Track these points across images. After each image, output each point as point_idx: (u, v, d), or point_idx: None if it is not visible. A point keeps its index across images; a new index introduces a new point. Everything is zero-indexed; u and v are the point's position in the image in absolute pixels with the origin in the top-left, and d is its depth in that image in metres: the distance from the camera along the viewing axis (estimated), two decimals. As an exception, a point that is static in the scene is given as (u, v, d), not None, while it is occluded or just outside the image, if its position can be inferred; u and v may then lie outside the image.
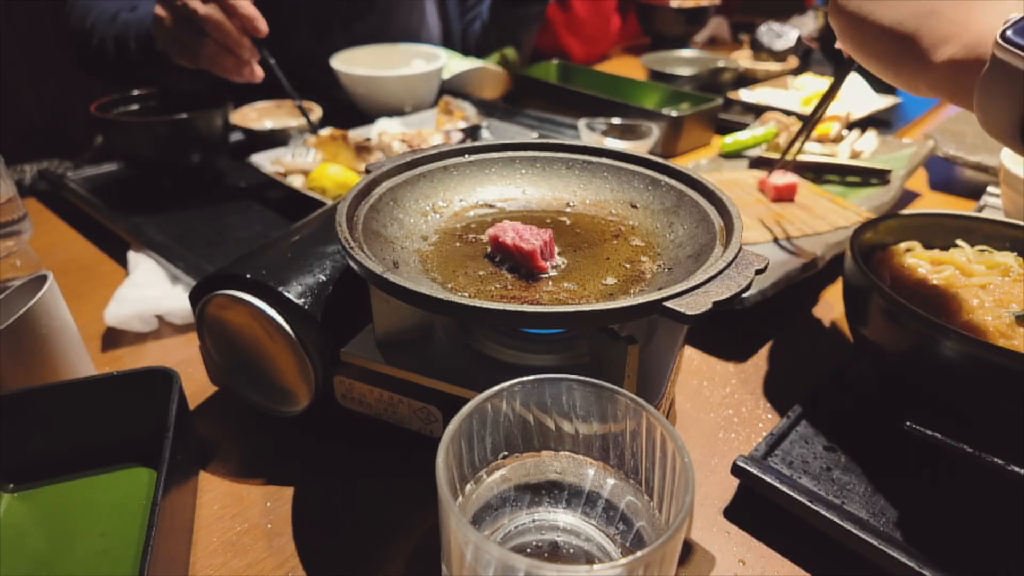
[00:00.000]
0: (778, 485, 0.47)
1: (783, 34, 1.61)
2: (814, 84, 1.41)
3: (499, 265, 0.51)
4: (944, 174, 1.11)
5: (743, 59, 1.62)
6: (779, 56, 1.60)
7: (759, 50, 1.62)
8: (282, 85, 0.97)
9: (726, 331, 0.70)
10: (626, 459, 0.38)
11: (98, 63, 1.07)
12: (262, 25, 0.89)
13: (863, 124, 1.15)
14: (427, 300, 0.40)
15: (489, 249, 0.52)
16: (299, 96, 1.01)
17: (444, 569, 0.35)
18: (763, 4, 2.18)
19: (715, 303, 0.39)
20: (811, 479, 0.50)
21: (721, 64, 1.53)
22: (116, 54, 1.01)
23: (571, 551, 0.37)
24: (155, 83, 1.03)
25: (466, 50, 1.55)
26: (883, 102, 1.30)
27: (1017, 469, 0.46)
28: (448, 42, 1.52)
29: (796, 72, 1.55)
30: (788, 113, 1.14)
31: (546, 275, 0.50)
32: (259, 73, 0.93)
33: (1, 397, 0.48)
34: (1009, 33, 0.38)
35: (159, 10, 0.90)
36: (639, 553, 0.28)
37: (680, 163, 0.67)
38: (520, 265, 0.50)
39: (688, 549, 0.47)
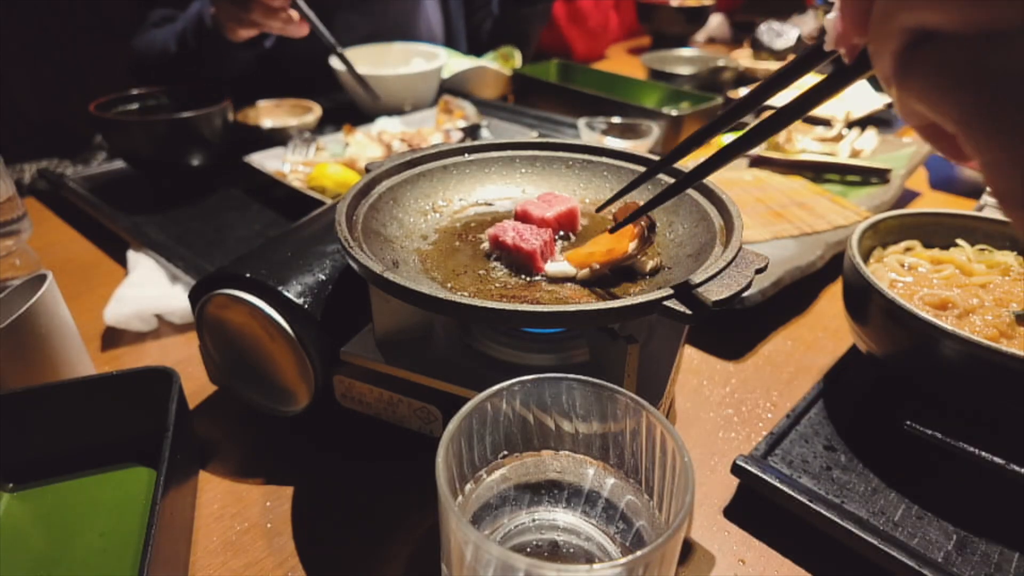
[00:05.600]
0: (778, 484, 0.47)
1: (783, 33, 1.61)
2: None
3: (499, 264, 0.51)
4: (944, 173, 1.11)
5: (743, 58, 1.62)
6: (779, 55, 1.60)
7: (759, 49, 1.62)
8: (320, 35, 1.06)
9: (726, 331, 0.70)
10: (626, 458, 0.38)
11: (161, 67, 1.18)
12: None
13: (863, 123, 1.15)
14: (427, 299, 0.40)
15: (489, 248, 0.52)
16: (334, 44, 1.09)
17: (444, 569, 0.35)
18: (763, 3, 2.18)
19: (715, 303, 0.39)
20: (811, 478, 0.50)
21: (721, 63, 1.53)
22: (177, 52, 1.13)
23: (571, 550, 0.37)
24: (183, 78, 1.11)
25: (474, 48, 1.56)
26: (883, 101, 1.30)
27: (1017, 469, 0.46)
28: (451, 40, 1.52)
29: (796, 71, 1.55)
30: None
31: (546, 275, 0.50)
32: (300, 24, 1.03)
33: (1, 397, 0.48)
34: None
35: None
36: (639, 552, 0.28)
37: (680, 162, 0.66)
38: (520, 265, 0.50)
39: (688, 548, 0.47)
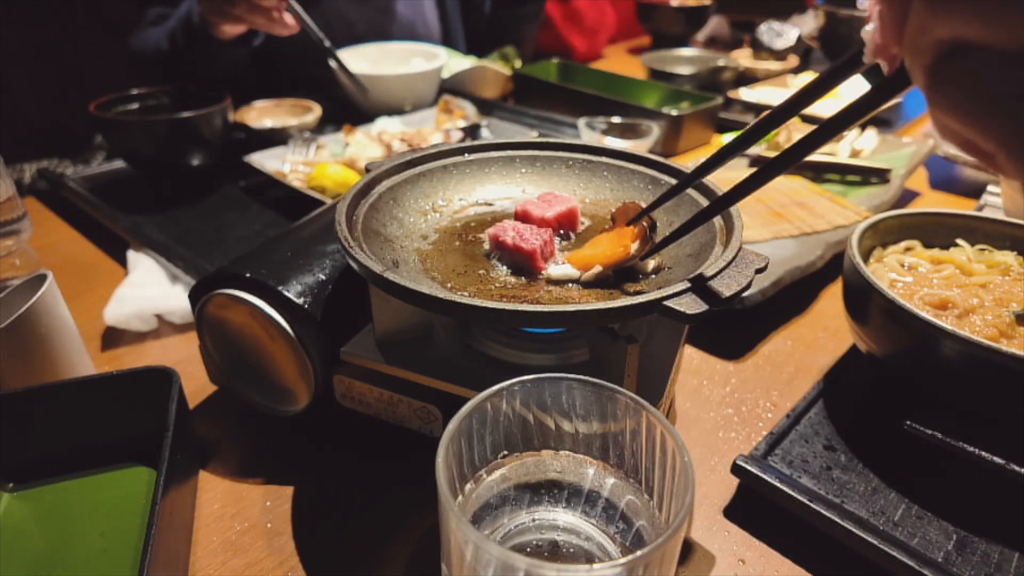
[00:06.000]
0: (778, 484, 0.47)
1: (783, 33, 1.61)
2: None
3: (499, 264, 0.51)
4: (944, 173, 1.11)
5: (743, 58, 1.62)
6: (779, 55, 1.60)
7: (759, 49, 1.62)
8: (308, 33, 1.06)
9: (726, 330, 0.70)
10: (626, 458, 0.38)
11: (157, 65, 1.19)
12: None
13: (863, 123, 1.15)
14: (427, 299, 0.40)
15: (489, 248, 0.52)
16: (328, 49, 1.10)
17: (444, 569, 0.35)
18: (763, 3, 2.18)
19: (715, 302, 0.39)
20: (811, 478, 0.50)
21: (721, 63, 1.52)
22: (169, 49, 1.14)
23: (571, 550, 0.37)
24: (187, 75, 1.13)
25: (470, 48, 1.56)
26: (883, 101, 1.30)
27: (1017, 469, 0.46)
28: (448, 39, 1.52)
29: (796, 71, 1.55)
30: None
31: (547, 275, 0.50)
32: (291, 23, 1.03)
33: (1, 397, 0.48)
34: None
35: None
36: (639, 552, 0.28)
37: (680, 162, 0.67)
38: (520, 265, 0.50)
39: (688, 548, 0.47)
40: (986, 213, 0.79)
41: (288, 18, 1.02)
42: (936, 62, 0.20)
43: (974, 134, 0.20)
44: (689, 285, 0.40)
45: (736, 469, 0.49)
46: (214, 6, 1.01)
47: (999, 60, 0.19)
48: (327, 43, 1.10)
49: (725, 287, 0.40)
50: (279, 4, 0.99)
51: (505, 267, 0.50)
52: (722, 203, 0.40)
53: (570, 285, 0.48)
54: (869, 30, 0.25)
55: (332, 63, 1.14)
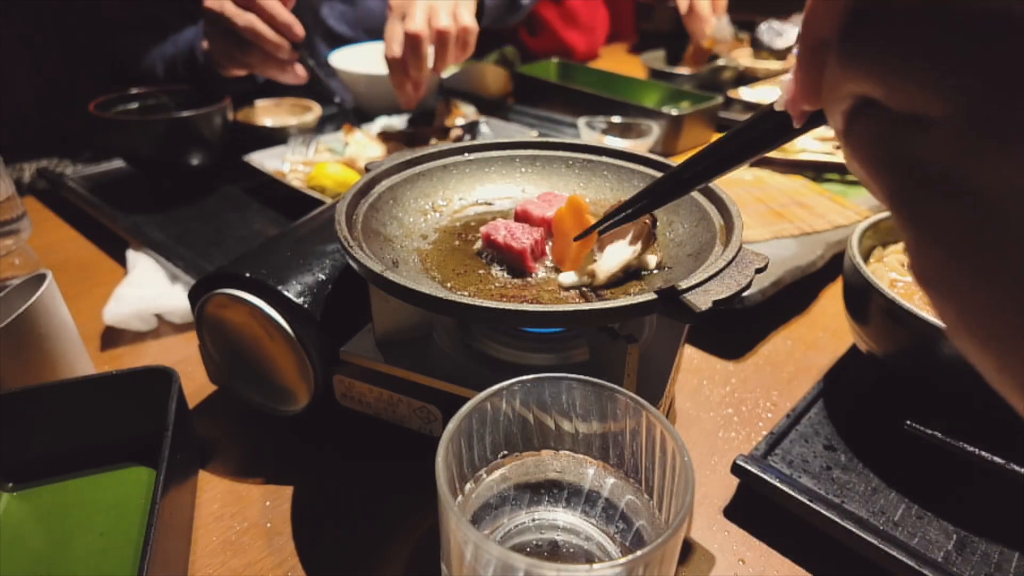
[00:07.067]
0: (778, 484, 0.47)
1: (783, 32, 1.60)
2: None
3: (495, 263, 0.51)
4: (944, 173, 1.11)
5: (743, 57, 1.62)
6: (779, 54, 1.60)
7: (759, 48, 1.62)
8: (319, 85, 1.04)
9: (726, 330, 0.70)
10: (626, 458, 0.38)
11: (143, 83, 1.16)
12: (299, 30, 0.96)
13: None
14: (427, 299, 0.40)
15: (481, 246, 0.52)
16: (331, 93, 1.07)
17: (444, 569, 0.35)
18: (763, 2, 2.18)
19: (715, 302, 0.39)
20: (811, 478, 0.50)
21: (721, 62, 1.52)
22: (164, 75, 1.12)
23: (571, 550, 0.37)
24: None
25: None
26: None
27: (1017, 469, 0.46)
28: None
29: (796, 71, 1.55)
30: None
31: (545, 274, 0.50)
32: (302, 74, 1.00)
33: (1, 397, 0.48)
34: None
35: (205, 26, 0.99)
36: (639, 552, 0.28)
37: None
38: (511, 263, 0.50)
39: (688, 548, 0.47)
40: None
41: (299, 68, 1.00)
42: (849, 112, 0.22)
43: (871, 182, 0.22)
44: (689, 285, 0.40)
45: (736, 469, 0.49)
46: (225, 52, 0.98)
47: (895, 121, 0.20)
48: (338, 99, 1.08)
49: (725, 287, 0.40)
50: (293, 55, 0.97)
51: (502, 266, 0.50)
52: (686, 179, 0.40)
53: (584, 290, 0.48)
54: (785, 80, 0.27)
55: (343, 67, 1.13)
